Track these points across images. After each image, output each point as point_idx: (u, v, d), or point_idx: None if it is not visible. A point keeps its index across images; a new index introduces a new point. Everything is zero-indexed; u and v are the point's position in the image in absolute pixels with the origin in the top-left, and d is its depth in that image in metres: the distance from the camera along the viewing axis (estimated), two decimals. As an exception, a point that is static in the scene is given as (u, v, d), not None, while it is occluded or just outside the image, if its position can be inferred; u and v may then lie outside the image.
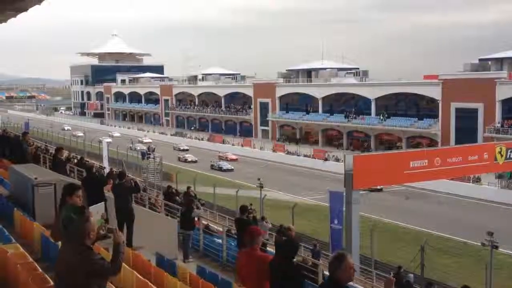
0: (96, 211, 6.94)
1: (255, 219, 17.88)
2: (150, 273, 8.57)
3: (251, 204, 16.26)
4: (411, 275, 16.90)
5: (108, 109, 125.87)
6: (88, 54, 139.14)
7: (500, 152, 26.66)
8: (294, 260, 6.13)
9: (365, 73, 75.97)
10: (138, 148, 57.50)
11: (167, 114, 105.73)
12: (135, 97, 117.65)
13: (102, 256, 4.54)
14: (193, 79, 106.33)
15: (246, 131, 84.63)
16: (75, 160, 20.39)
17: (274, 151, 64.14)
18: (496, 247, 17.71)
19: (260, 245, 6.30)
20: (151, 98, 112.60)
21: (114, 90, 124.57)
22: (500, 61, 56.80)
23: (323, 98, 73.10)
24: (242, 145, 69.58)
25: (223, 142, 73.27)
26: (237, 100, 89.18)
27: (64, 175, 13.40)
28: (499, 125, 51.81)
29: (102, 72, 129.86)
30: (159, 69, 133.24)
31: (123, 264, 5.24)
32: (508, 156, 26.99)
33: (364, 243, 21.25)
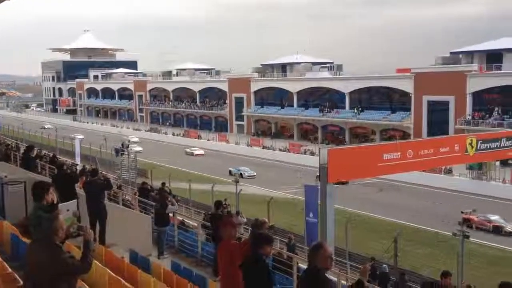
0: (67, 209, 6.85)
1: (230, 214, 17.94)
2: (123, 270, 8.51)
3: (225, 199, 16.27)
4: (385, 266, 17.15)
5: (81, 106, 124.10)
6: (59, 50, 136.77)
7: (470, 144, 27.04)
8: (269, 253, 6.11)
9: (339, 67, 76.53)
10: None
11: (141, 110, 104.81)
12: (108, 93, 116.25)
13: (72, 254, 4.50)
14: (168, 74, 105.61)
15: (221, 126, 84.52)
16: (47, 158, 20.07)
17: (249, 145, 64.22)
18: (467, 237, 18.09)
19: (235, 237, 6.40)
20: (125, 94, 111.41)
21: (86, 86, 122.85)
22: (470, 54, 57.79)
23: (298, 93, 73.44)
24: (217, 140, 69.64)
25: (199, 137, 73.07)
26: (212, 95, 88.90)
27: (35, 173, 13.21)
28: (469, 117, 52.81)
29: (74, 68, 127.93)
30: (132, 64, 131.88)
31: (95, 261, 5.21)
32: (478, 148, 27.52)
33: (339, 236, 21.45)
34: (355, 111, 64.41)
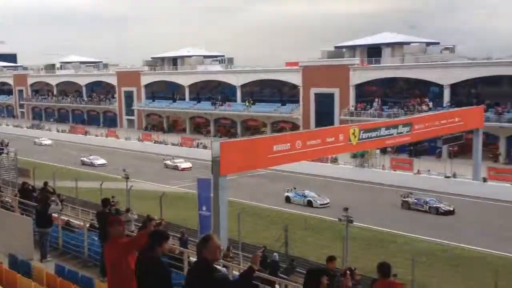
0: None
1: (118, 211, 17.46)
2: (1, 276, 8.01)
3: (113, 197, 15.79)
4: (276, 254, 17.66)
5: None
6: None
7: (353, 133, 28.74)
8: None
9: (231, 61, 77.16)
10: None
11: (21, 106, 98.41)
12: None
13: None
14: (51, 67, 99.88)
15: (110, 121, 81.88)
16: None
17: (141, 141, 62.82)
18: (351, 221, 19.14)
19: (124, 234, 6.25)
20: (3, 89, 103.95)
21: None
22: (353, 49, 60.94)
23: (190, 86, 73.04)
24: (106, 136, 67.30)
25: (86, 133, 70.10)
26: (100, 90, 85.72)
27: None
28: (352, 108, 55.81)
29: None
30: (11, 57, 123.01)
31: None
32: (360, 137, 29.22)
33: (232, 227, 21.74)
34: (247, 104, 65.36)
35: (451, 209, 31.32)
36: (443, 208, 31.35)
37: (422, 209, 31.84)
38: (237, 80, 68.02)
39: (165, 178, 42.01)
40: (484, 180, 36.80)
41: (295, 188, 35.53)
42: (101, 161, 50.52)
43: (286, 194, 35.03)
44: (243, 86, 67.61)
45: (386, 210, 31.55)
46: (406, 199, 33.15)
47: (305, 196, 33.99)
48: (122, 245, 5.97)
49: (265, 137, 32.48)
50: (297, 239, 22.91)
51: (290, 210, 31.82)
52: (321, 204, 33.18)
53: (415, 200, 32.60)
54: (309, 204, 33.35)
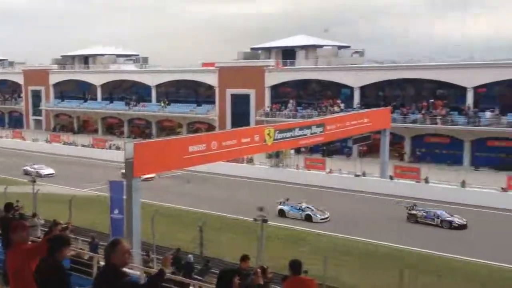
0: None
1: (23, 216, 16.53)
2: None
3: (17, 201, 14.92)
4: (191, 256, 17.47)
5: None
6: None
7: (269, 134, 29.15)
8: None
9: (145, 60, 75.66)
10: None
11: None
12: None
13: None
14: None
15: (16, 122, 77.62)
16: None
17: (49, 142, 59.95)
18: (266, 221, 19.35)
19: (27, 240, 6.05)
20: None
21: None
22: (268, 50, 61.85)
23: (102, 86, 70.82)
24: (12, 137, 63.69)
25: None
26: (6, 89, 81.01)
27: None
28: (268, 109, 56.64)
29: None
30: None
31: None
32: (275, 137, 29.70)
33: (146, 230, 21.27)
34: (162, 104, 64.42)
35: (465, 222, 28.97)
36: (457, 222, 28.94)
37: (433, 223, 29.30)
38: (152, 80, 66.85)
39: (76, 181, 40.39)
40: (391, 177, 38.69)
41: (287, 200, 31.78)
42: (48, 170, 44.73)
43: (280, 207, 31.25)
44: (158, 86, 66.55)
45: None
46: (413, 211, 30.38)
47: (302, 210, 30.62)
48: (26, 251, 5.76)
49: (180, 138, 32.11)
50: (214, 240, 22.83)
51: (202, 210, 31.60)
52: (321, 219, 29.97)
53: (424, 213, 29.92)
54: (308, 218, 30.06)
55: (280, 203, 31.34)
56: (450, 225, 28.71)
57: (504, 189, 34.24)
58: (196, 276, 15.39)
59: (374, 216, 31.15)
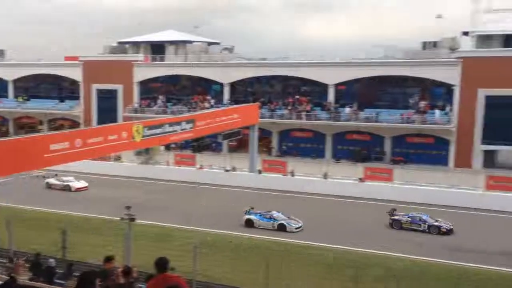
0: None
1: None
2: None
3: None
4: (52, 260, 16.50)
5: None
6: None
7: (137, 131, 28.47)
8: None
9: (2, 53, 69.84)
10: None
11: None
12: None
13: None
14: None
15: None
16: None
17: None
18: (133, 220, 18.87)
19: None
20: None
21: None
22: (137, 45, 60.30)
23: None
24: None
25: None
26: None
27: None
28: (137, 105, 55.31)
29: None
30: None
31: None
32: (144, 134, 29.08)
33: (2, 236, 19.68)
34: (20, 100, 60.10)
35: (451, 227, 27.34)
36: (445, 227, 27.17)
37: (420, 228, 27.30)
38: (9, 74, 62.12)
39: None
40: (259, 172, 39.87)
41: (252, 208, 28.59)
42: (81, 183, 37.43)
43: (247, 217, 27.96)
44: (16, 81, 62.03)
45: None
46: (396, 217, 28.20)
47: (274, 219, 27.60)
48: None
49: (40, 135, 30.14)
50: (80, 242, 21.74)
51: (67, 212, 30.01)
52: (296, 228, 27.19)
53: (409, 218, 27.83)
54: (281, 228, 27.03)
55: (246, 212, 28.27)
56: (439, 231, 27.00)
57: (361, 180, 36.95)
58: (57, 281, 14.55)
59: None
